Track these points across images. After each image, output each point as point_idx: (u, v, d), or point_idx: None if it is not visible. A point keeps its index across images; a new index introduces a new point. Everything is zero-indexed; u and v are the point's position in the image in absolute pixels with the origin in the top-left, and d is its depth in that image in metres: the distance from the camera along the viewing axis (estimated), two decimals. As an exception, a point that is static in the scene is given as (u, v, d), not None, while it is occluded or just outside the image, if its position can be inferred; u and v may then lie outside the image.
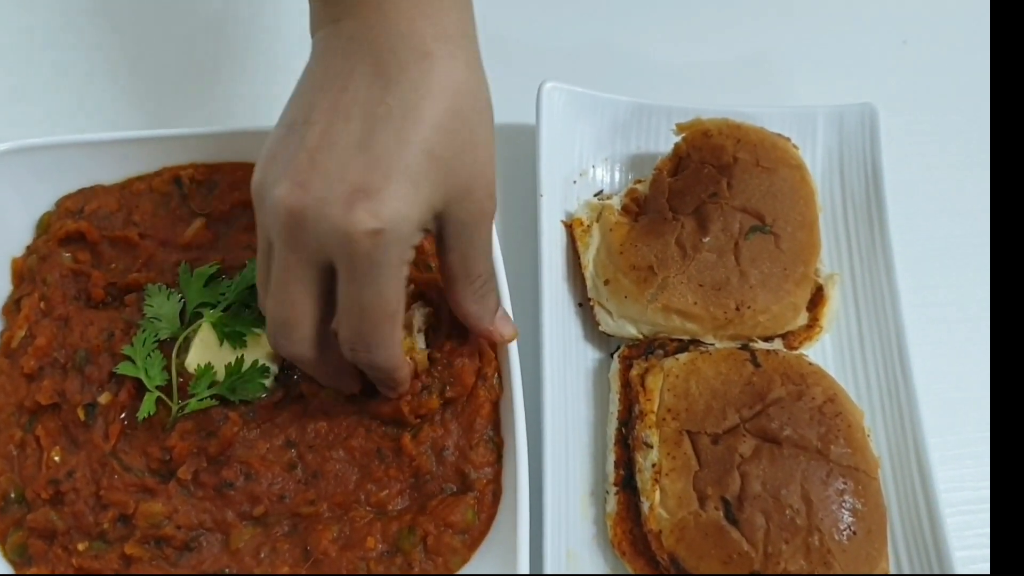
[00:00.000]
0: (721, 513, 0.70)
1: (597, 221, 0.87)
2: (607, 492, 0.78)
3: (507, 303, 0.76)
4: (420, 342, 0.73)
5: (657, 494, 0.73)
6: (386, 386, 0.70)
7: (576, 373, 0.84)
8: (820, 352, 0.86)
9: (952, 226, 0.97)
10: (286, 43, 1.05)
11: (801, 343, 0.84)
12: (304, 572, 0.67)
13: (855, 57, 1.09)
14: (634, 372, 0.80)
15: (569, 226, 0.89)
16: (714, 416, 0.74)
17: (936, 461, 0.77)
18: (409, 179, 0.56)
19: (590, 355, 0.86)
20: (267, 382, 0.73)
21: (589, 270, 0.86)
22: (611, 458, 0.78)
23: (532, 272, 0.84)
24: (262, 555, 0.68)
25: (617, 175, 0.95)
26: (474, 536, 0.70)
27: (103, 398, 0.73)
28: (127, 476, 0.71)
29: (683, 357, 0.79)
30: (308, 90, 0.61)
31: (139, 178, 0.84)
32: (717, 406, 0.75)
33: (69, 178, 0.83)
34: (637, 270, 0.82)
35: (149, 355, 0.73)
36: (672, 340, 0.82)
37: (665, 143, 0.93)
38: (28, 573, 0.69)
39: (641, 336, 0.83)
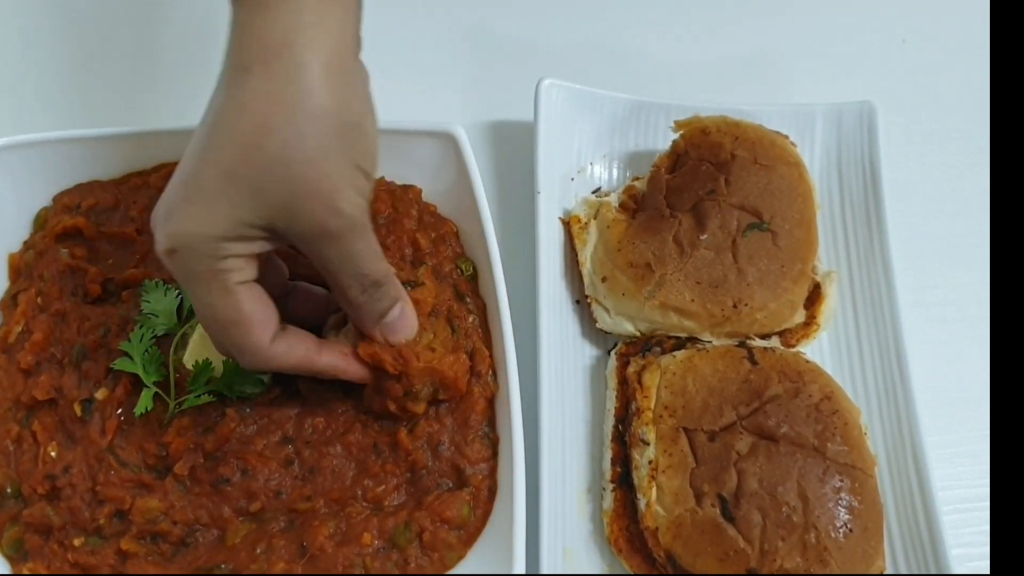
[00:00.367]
0: (717, 510, 0.70)
1: (595, 218, 0.87)
2: (604, 489, 0.78)
3: (504, 299, 0.76)
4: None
5: (654, 491, 0.73)
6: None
7: (573, 370, 0.84)
8: (817, 350, 0.86)
9: (950, 225, 0.98)
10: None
11: (798, 341, 0.84)
12: (300, 568, 0.67)
13: (854, 55, 1.09)
14: (631, 369, 0.80)
15: (567, 223, 0.89)
16: (711, 413, 0.74)
17: (933, 459, 0.77)
18: (203, 198, 0.56)
19: (587, 352, 0.86)
20: (264, 378, 0.73)
21: (587, 267, 0.86)
22: (608, 455, 0.78)
23: (530, 269, 0.84)
24: (258, 551, 0.68)
25: (615, 172, 0.95)
26: (470, 532, 0.70)
27: (100, 394, 0.73)
28: (123, 472, 0.71)
29: (680, 354, 0.79)
30: None
31: (136, 174, 0.84)
32: (714, 403, 0.75)
33: (66, 174, 0.83)
34: (634, 267, 0.82)
35: (147, 351, 0.73)
36: (669, 337, 0.82)
37: (663, 140, 0.93)
38: (24, 571, 0.69)
39: (638, 333, 0.83)
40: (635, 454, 0.75)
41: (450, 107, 1.02)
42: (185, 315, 0.76)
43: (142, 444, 0.72)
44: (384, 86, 1.04)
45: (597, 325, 0.84)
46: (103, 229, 0.81)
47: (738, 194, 0.84)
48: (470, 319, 0.78)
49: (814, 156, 0.94)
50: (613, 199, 0.88)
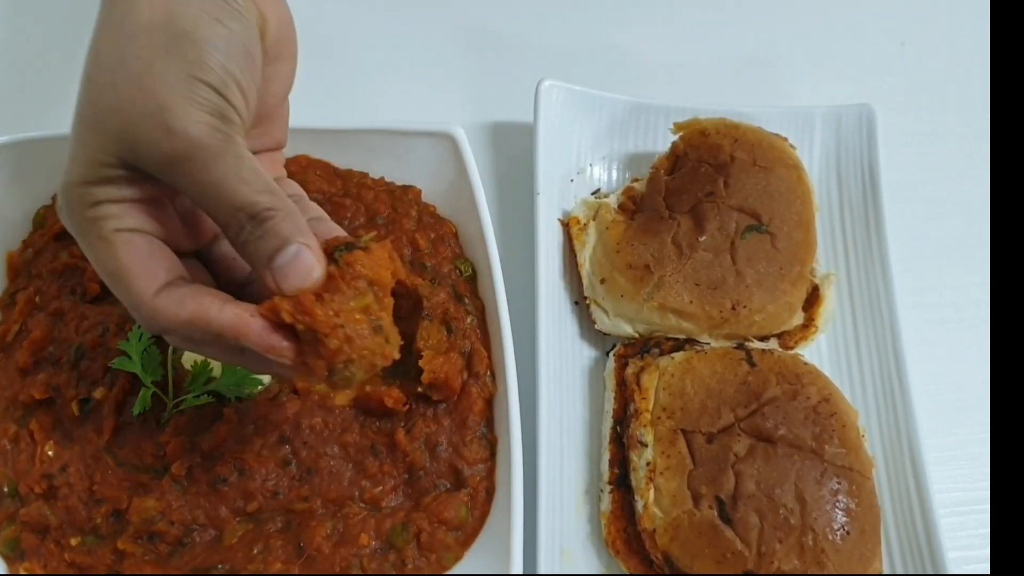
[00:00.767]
0: (715, 512, 0.70)
1: (594, 219, 0.87)
2: (601, 490, 0.78)
3: (502, 300, 0.76)
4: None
5: (651, 493, 0.73)
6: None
7: (572, 371, 0.84)
8: (816, 352, 0.86)
9: (949, 227, 0.98)
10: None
11: (797, 343, 0.84)
12: (297, 568, 0.67)
13: (853, 58, 1.09)
14: (630, 371, 0.80)
15: (566, 224, 0.89)
16: (709, 415, 0.74)
17: (930, 462, 0.77)
18: (71, 149, 0.55)
19: (586, 353, 0.86)
20: (264, 379, 0.73)
21: (585, 268, 0.86)
22: (606, 456, 0.78)
23: (529, 270, 0.84)
24: (255, 551, 0.68)
25: (614, 173, 0.95)
26: (467, 533, 0.70)
27: (97, 393, 0.73)
28: (121, 471, 0.71)
29: (678, 356, 0.79)
30: None
31: (135, 173, 0.84)
32: (712, 405, 0.75)
33: (65, 172, 0.83)
34: (633, 269, 0.82)
35: (145, 350, 0.73)
36: (668, 339, 0.82)
37: (663, 142, 0.93)
38: (21, 570, 0.69)
39: (637, 335, 0.83)
40: (633, 456, 0.75)
41: (450, 107, 1.02)
42: (183, 315, 0.76)
43: (139, 444, 0.72)
44: (384, 86, 1.05)
45: (596, 326, 0.84)
46: (102, 228, 0.81)
47: (737, 196, 0.84)
48: (468, 320, 0.78)
49: (813, 158, 0.94)
50: (612, 200, 0.88)
